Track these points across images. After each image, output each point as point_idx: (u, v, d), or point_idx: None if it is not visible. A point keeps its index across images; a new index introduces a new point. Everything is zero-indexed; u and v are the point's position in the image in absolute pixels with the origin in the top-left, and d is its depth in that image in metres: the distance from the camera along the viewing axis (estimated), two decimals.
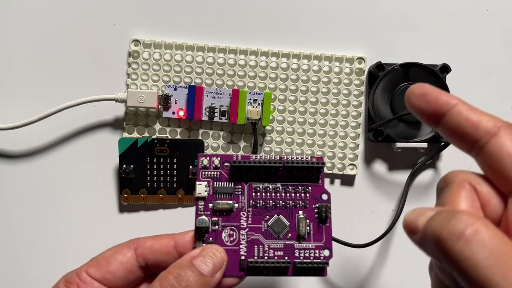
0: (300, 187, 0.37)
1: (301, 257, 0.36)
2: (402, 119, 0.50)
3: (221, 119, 0.49)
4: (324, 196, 0.37)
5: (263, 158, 0.36)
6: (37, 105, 0.50)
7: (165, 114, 0.49)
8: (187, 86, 0.49)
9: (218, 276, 0.34)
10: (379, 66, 0.49)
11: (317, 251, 0.36)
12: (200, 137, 0.50)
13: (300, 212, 0.37)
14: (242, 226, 0.37)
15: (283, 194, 0.37)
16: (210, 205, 0.37)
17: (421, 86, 0.27)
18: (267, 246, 0.36)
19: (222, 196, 0.37)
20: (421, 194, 0.51)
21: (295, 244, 0.36)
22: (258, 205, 0.37)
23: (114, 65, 0.51)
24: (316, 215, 0.37)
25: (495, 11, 0.51)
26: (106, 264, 0.36)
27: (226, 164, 0.37)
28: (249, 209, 0.37)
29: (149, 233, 0.51)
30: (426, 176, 0.52)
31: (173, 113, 0.49)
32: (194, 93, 0.49)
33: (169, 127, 0.50)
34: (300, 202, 0.37)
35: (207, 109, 0.49)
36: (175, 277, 0.33)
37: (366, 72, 0.50)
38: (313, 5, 0.51)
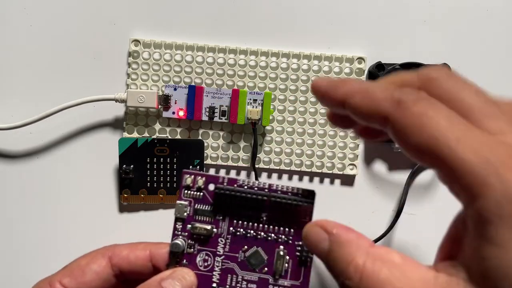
0: (285, 221, 0.35)
1: None
2: None
3: (221, 119, 0.49)
4: None
5: (250, 184, 0.35)
6: (37, 105, 0.50)
7: (165, 114, 0.49)
8: (187, 86, 0.49)
9: None
10: (379, 66, 0.49)
11: None
12: (200, 137, 0.50)
13: (281, 247, 0.35)
14: (218, 252, 0.35)
15: (265, 225, 0.35)
16: (189, 226, 0.35)
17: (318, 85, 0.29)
18: (241, 277, 0.35)
19: (202, 219, 0.35)
20: (421, 194, 0.51)
21: (270, 279, 0.35)
22: (238, 233, 0.35)
23: (114, 65, 0.51)
24: (297, 253, 0.35)
25: (495, 11, 0.51)
26: (81, 275, 0.36)
27: (210, 185, 0.35)
28: (228, 236, 0.35)
29: (150, 233, 0.51)
30: (426, 176, 0.52)
31: (173, 113, 0.49)
32: (194, 93, 0.49)
33: (169, 127, 0.50)
34: (283, 236, 0.35)
35: (207, 109, 0.49)
36: None
37: (366, 72, 0.50)
38: (313, 5, 0.51)
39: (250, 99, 0.49)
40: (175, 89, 0.49)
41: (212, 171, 0.51)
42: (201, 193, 0.35)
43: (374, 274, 0.25)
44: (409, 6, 0.51)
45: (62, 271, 0.36)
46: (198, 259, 0.35)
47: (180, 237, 0.35)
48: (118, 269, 0.37)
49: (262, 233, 0.35)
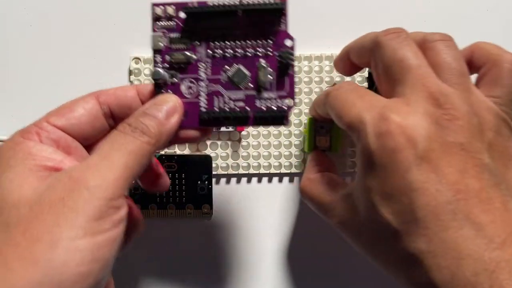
0: (261, 33, 0.35)
1: (262, 107, 0.35)
2: None
3: (228, 128, 0.49)
4: (288, 42, 0.35)
5: (220, 1, 0.34)
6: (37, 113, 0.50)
7: None
8: None
9: (173, 120, 0.34)
10: None
11: (279, 100, 0.35)
12: (209, 148, 0.50)
13: (261, 61, 0.35)
14: (201, 77, 0.35)
15: (242, 41, 0.35)
16: (167, 56, 0.35)
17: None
18: (227, 97, 0.35)
19: (179, 47, 0.35)
20: None
21: (256, 94, 0.35)
22: (217, 55, 0.35)
23: (116, 83, 0.50)
24: (278, 64, 0.35)
25: (495, 11, 0.52)
26: (69, 111, 0.34)
27: (181, 13, 0.35)
28: (207, 59, 0.35)
29: (157, 237, 0.50)
30: None
31: None
32: None
33: None
34: (261, 49, 0.35)
35: None
36: (130, 124, 0.33)
37: (366, 71, 0.50)
38: (313, 6, 0.52)
39: None
40: None
41: (223, 181, 0.51)
42: (173, 22, 0.35)
43: (311, 191, 0.42)
44: (409, 6, 0.51)
45: (47, 113, 0.35)
46: (182, 87, 0.35)
47: (160, 68, 0.35)
48: (107, 107, 0.35)
49: (240, 50, 0.35)
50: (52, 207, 0.29)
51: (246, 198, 0.51)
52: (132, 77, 0.50)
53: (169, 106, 0.34)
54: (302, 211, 0.50)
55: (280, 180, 0.51)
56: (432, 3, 0.51)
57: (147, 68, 0.50)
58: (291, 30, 0.35)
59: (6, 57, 0.51)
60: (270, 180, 0.51)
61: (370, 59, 0.38)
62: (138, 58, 0.50)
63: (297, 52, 0.46)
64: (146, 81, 0.50)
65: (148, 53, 0.50)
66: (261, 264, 0.51)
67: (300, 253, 0.51)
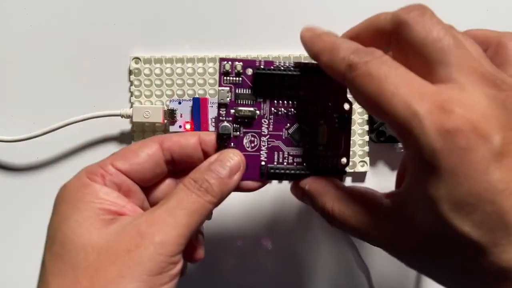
0: (322, 95, 0.37)
1: (319, 164, 0.37)
2: None
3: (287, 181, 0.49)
4: (346, 106, 0.37)
5: (287, 64, 0.37)
6: (37, 118, 0.51)
7: (172, 129, 0.49)
8: (191, 98, 0.49)
9: (236, 178, 0.35)
10: None
11: (335, 158, 0.37)
12: None
13: (321, 122, 0.37)
14: (263, 133, 0.37)
15: (304, 102, 0.37)
16: (232, 111, 0.37)
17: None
18: (286, 153, 0.37)
19: (244, 102, 0.37)
20: None
21: (314, 152, 0.37)
22: (280, 113, 0.37)
23: (116, 83, 0.51)
24: (336, 125, 0.37)
25: (495, 11, 0.52)
26: (134, 156, 0.35)
27: (248, 69, 0.37)
28: (270, 116, 0.37)
29: None
30: None
31: (180, 126, 0.49)
32: (198, 105, 0.49)
33: None
34: (321, 110, 0.37)
35: (213, 120, 0.49)
36: (195, 181, 0.33)
37: None
38: (312, 6, 0.52)
39: None
40: (179, 103, 0.49)
41: None
42: (240, 78, 0.37)
43: (341, 214, 0.33)
44: None
45: (112, 156, 0.36)
46: (244, 141, 0.37)
47: (225, 122, 0.37)
48: (169, 154, 0.36)
49: (301, 109, 0.37)
50: (119, 258, 0.30)
51: (246, 198, 0.51)
52: (132, 77, 0.50)
53: (233, 164, 0.35)
54: (302, 210, 0.51)
55: (280, 180, 0.51)
56: (431, 3, 0.51)
57: (147, 68, 0.50)
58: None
59: (6, 57, 0.51)
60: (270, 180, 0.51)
61: (387, 42, 0.33)
62: (138, 58, 0.50)
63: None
64: (145, 81, 0.50)
65: (148, 53, 0.51)
66: (261, 264, 0.51)
67: (300, 253, 0.51)
